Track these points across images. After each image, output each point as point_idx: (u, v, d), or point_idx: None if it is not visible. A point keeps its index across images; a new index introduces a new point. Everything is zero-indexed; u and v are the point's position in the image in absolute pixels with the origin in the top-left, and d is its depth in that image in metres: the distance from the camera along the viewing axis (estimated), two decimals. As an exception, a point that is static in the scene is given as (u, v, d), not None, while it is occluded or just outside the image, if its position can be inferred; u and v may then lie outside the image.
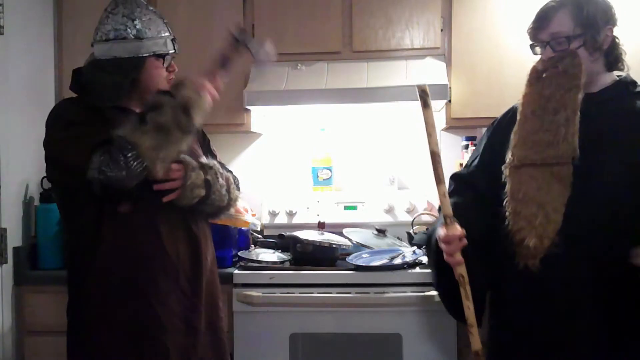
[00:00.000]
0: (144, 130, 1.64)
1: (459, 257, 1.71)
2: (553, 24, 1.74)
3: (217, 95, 1.79)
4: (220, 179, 1.83)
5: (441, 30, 2.63)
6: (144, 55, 1.77)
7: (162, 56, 1.81)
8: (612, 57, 1.75)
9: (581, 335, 1.66)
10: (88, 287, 1.74)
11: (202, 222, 1.87)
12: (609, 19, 1.74)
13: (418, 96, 1.72)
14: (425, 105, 1.73)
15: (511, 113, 1.88)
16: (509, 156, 1.76)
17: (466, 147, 2.75)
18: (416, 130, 2.98)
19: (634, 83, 1.78)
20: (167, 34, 1.83)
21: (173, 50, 1.84)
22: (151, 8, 1.85)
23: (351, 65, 2.65)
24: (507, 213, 1.72)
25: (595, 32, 1.71)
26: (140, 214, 1.73)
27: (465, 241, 1.71)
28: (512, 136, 1.77)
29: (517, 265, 1.69)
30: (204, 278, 1.84)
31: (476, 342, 1.72)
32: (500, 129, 1.90)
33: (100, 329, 1.72)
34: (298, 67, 2.65)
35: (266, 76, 2.59)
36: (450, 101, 2.59)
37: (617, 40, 1.76)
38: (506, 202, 1.73)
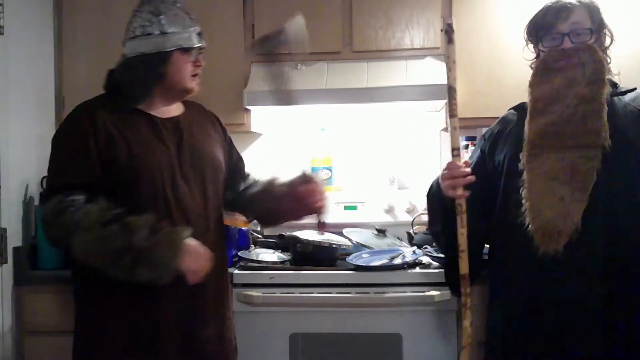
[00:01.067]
0: (92, 234, 1.60)
1: (460, 191, 1.79)
2: (575, 15, 1.78)
3: (203, 271, 1.69)
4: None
5: (441, 30, 2.62)
6: (169, 49, 1.78)
7: (188, 50, 1.81)
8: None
9: (591, 320, 1.70)
10: (93, 287, 1.75)
11: (213, 224, 1.86)
12: (605, 24, 1.83)
13: (444, 31, 1.77)
14: (450, 41, 1.80)
15: (502, 122, 1.97)
16: (525, 145, 1.78)
17: (466, 147, 2.75)
18: (416, 131, 2.98)
19: (615, 85, 1.84)
20: (193, 28, 1.83)
21: (199, 44, 1.84)
22: (178, 4, 1.84)
23: (351, 65, 2.65)
24: (523, 200, 1.75)
25: (602, 32, 1.80)
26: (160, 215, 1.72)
27: (471, 177, 1.78)
28: (526, 127, 1.80)
29: (535, 252, 1.72)
30: (209, 286, 1.82)
31: (464, 266, 1.83)
32: (491, 138, 1.96)
33: (103, 334, 1.73)
34: (298, 67, 2.65)
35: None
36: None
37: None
38: (522, 190, 1.76)
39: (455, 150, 1.82)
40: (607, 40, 1.82)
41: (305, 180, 1.90)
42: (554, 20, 1.79)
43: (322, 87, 2.57)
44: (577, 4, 1.79)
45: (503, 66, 2.56)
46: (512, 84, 2.51)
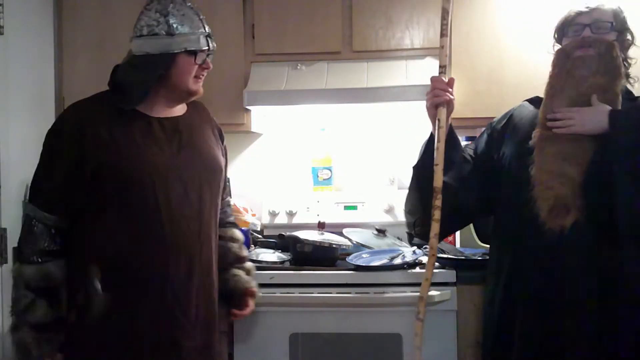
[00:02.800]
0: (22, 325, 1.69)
1: (444, 97, 1.85)
2: (599, 11, 1.84)
3: None
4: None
5: (441, 30, 2.63)
6: (175, 51, 1.75)
7: (194, 53, 1.78)
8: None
9: (590, 299, 1.72)
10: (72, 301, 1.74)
11: (211, 233, 1.85)
12: (628, 28, 1.89)
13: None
14: None
15: (506, 118, 1.99)
16: (538, 125, 1.81)
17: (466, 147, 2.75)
18: (416, 131, 2.98)
19: (629, 92, 1.88)
20: (201, 30, 1.80)
21: (207, 47, 1.81)
22: (188, 4, 1.81)
23: (351, 65, 2.65)
24: (532, 177, 1.77)
25: (625, 33, 1.86)
26: (131, 221, 1.72)
27: (451, 97, 1.87)
28: (541, 109, 1.83)
29: (540, 230, 1.74)
30: (203, 296, 1.80)
31: (439, 179, 1.80)
32: (496, 130, 1.99)
33: (89, 344, 1.72)
34: (298, 67, 2.65)
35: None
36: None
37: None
38: (532, 168, 1.78)
39: (441, 68, 1.90)
40: (628, 43, 1.87)
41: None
42: (577, 13, 1.86)
43: (322, 87, 2.57)
44: (603, 4, 1.85)
45: (503, 66, 2.56)
46: (512, 83, 2.51)
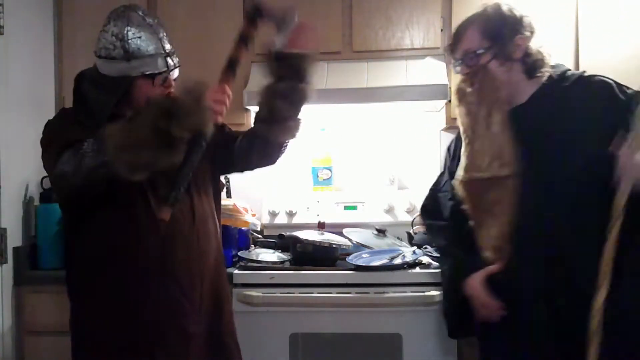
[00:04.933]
0: (119, 127, 1.53)
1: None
2: (464, 41, 1.82)
3: (227, 103, 1.69)
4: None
5: (441, 30, 2.63)
6: (133, 75, 1.73)
7: (152, 75, 1.74)
8: (529, 64, 1.79)
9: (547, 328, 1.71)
10: (83, 288, 1.75)
11: (207, 219, 1.86)
12: (518, 29, 1.78)
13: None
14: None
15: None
16: (459, 171, 1.82)
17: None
18: (416, 130, 2.98)
19: (564, 78, 1.80)
20: (160, 51, 1.74)
21: (165, 69, 1.75)
22: (148, 20, 1.76)
23: (351, 65, 2.65)
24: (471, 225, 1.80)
25: (502, 43, 1.77)
26: (138, 213, 1.72)
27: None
28: (462, 155, 1.84)
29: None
30: (206, 280, 1.82)
31: None
32: (453, 150, 1.99)
33: (98, 331, 1.73)
34: (298, 67, 2.65)
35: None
36: (450, 101, 2.59)
37: (531, 47, 1.79)
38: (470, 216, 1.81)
39: None
40: (513, 43, 1.77)
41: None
42: (449, 50, 1.88)
43: (322, 87, 2.57)
44: (468, 24, 1.84)
45: (503, 66, 2.56)
46: (512, 84, 2.51)
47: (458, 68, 1.85)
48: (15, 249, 2.41)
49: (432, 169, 2.91)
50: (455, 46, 1.85)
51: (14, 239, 2.42)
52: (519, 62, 1.78)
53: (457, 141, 1.95)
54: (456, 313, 1.95)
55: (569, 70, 1.83)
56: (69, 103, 1.91)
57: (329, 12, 2.66)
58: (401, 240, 2.68)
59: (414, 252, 2.39)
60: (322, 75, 2.62)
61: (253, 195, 2.89)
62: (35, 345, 2.39)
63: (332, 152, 2.96)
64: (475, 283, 1.80)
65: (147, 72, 1.73)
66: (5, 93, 2.38)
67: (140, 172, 1.52)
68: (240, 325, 2.26)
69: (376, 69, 2.62)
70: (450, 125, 2.69)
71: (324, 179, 2.94)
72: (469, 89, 1.79)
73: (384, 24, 2.64)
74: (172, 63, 1.78)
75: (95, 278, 1.74)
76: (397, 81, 2.54)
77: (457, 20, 2.61)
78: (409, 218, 2.77)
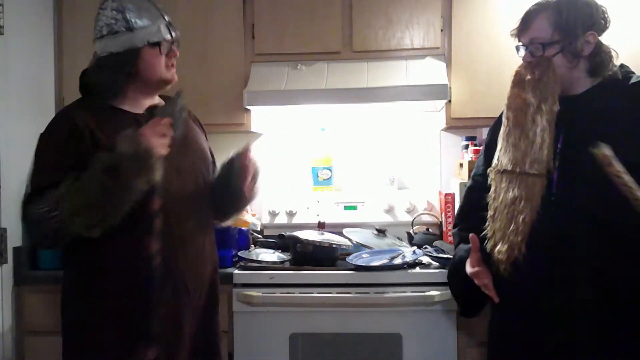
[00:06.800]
0: (71, 189, 1.59)
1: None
2: (532, 28, 1.72)
3: (168, 131, 1.68)
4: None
5: (441, 30, 2.63)
6: (139, 46, 1.74)
7: (158, 44, 1.76)
8: (595, 62, 1.71)
9: (559, 334, 1.67)
10: (82, 287, 1.75)
11: (206, 226, 1.86)
12: (592, 25, 1.69)
13: None
14: None
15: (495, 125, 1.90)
16: (495, 160, 1.76)
17: (466, 147, 2.75)
18: (416, 130, 2.98)
19: (625, 78, 1.72)
20: (160, 20, 1.77)
21: (169, 36, 1.79)
22: None
23: (351, 65, 2.65)
24: (488, 216, 1.74)
25: (573, 38, 1.68)
26: (139, 216, 1.71)
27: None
28: (499, 139, 1.77)
29: (491, 269, 1.73)
30: (203, 285, 1.82)
31: None
32: (492, 131, 1.91)
33: (94, 331, 1.72)
34: (298, 67, 2.65)
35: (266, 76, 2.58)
36: (450, 101, 2.59)
37: (601, 46, 1.71)
38: (489, 206, 1.74)
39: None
40: (583, 39, 1.68)
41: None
42: (517, 32, 1.77)
43: (322, 87, 2.57)
44: (540, 10, 1.72)
45: (503, 66, 2.55)
46: (512, 84, 2.51)
47: (522, 53, 1.76)
48: (16, 249, 2.41)
49: (432, 169, 2.92)
50: (522, 31, 1.74)
51: (14, 239, 2.42)
52: (586, 59, 1.70)
53: (496, 125, 1.88)
54: (461, 294, 1.93)
55: (634, 73, 1.75)
56: (69, 103, 1.90)
57: (328, 12, 2.66)
58: (401, 240, 2.68)
59: (414, 252, 2.39)
60: (322, 75, 2.62)
61: (253, 195, 2.89)
62: (35, 345, 2.39)
63: (332, 152, 2.96)
64: (473, 261, 1.77)
65: (153, 40, 1.75)
66: (5, 93, 2.38)
67: (97, 229, 1.60)
68: (240, 325, 2.27)
69: (376, 69, 2.62)
70: (451, 125, 2.70)
71: (324, 179, 2.94)
72: (528, 77, 1.71)
73: (384, 24, 2.65)
74: (175, 34, 1.81)
75: (94, 279, 1.73)
76: (397, 81, 2.54)
77: (457, 20, 2.63)
78: (409, 218, 2.78)
